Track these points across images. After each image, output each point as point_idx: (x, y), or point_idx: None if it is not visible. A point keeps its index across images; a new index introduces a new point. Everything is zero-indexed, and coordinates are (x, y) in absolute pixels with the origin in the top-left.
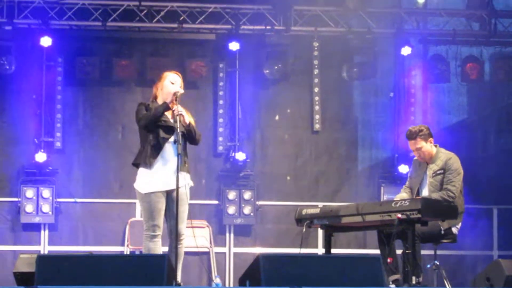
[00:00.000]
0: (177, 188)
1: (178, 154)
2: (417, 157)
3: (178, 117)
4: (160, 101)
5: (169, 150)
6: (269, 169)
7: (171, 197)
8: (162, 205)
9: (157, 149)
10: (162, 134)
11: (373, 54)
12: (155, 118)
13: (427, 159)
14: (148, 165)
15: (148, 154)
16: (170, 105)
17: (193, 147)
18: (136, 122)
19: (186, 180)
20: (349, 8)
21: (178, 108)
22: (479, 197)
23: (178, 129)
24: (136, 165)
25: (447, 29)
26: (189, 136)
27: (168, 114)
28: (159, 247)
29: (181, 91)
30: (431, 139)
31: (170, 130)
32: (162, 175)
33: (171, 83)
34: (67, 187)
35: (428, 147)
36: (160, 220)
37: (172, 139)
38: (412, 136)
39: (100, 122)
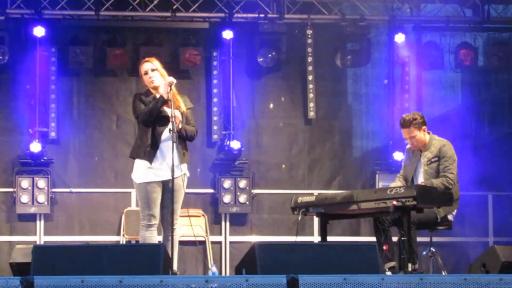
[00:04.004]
0: (173, 178)
1: (173, 142)
2: (410, 145)
3: (173, 117)
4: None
5: (166, 141)
6: (264, 157)
7: (167, 187)
8: (158, 194)
9: (155, 145)
10: (158, 129)
11: (366, 42)
12: (152, 114)
13: (421, 147)
14: (147, 159)
15: (147, 150)
16: (166, 97)
17: None
18: (134, 116)
19: (183, 171)
20: None
21: (174, 113)
22: (474, 184)
23: (172, 118)
24: (133, 157)
25: (440, 15)
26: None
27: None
28: (155, 237)
29: (174, 80)
30: (424, 127)
31: (166, 119)
32: (158, 165)
33: (147, 76)
34: (62, 177)
35: (421, 135)
36: (156, 210)
37: (168, 128)
38: (405, 124)
39: (95, 111)
